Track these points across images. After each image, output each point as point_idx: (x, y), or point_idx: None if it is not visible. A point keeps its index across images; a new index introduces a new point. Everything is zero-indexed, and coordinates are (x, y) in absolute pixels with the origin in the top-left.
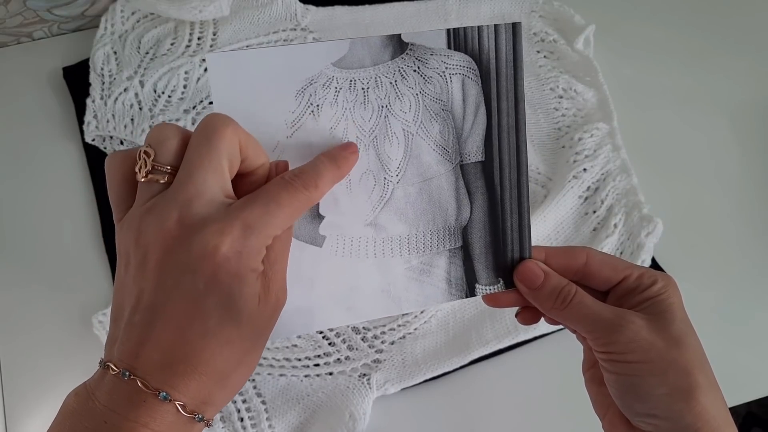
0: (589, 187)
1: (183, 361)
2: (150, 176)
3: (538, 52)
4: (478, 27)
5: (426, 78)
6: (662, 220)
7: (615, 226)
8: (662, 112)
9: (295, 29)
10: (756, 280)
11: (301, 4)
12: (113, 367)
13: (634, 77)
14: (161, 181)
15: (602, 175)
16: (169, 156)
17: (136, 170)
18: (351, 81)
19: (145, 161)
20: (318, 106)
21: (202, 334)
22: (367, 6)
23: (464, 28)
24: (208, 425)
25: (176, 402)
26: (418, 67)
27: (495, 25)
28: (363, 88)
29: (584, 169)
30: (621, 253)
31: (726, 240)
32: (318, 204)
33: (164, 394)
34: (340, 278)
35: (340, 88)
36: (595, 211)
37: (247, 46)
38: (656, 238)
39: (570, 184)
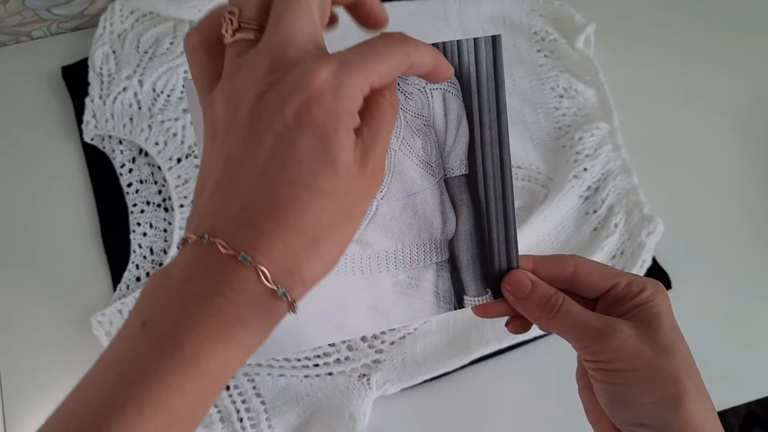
0: (589, 187)
1: (268, 215)
2: (237, 35)
3: (539, 51)
4: (458, 41)
5: (406, 94)
6: (663, 220)
7: (615, 225)
8: (663, 112)
9: None
10: (757, 280)
11: None
12: (191, 236)
13: (634, 76)
14: (251, 38)
15: (603, 174)
16: (254, 10)
17: (223, 32)
18: None
19: (231, 20)
20: None
21: (291, 180)
22: None
23: (443, 43)
24: (292, 310)
25: (259, 267)
26: (399, 84)
27: (474, 39)
28: None
29: (585, 169)
30: (622, 252)
31: (727, 240)
32: None
33: (244, 255)
34: (327, 296)
35: None
36: (595, 211)
37: None
38: (657, 237)
39: (570, 183)
